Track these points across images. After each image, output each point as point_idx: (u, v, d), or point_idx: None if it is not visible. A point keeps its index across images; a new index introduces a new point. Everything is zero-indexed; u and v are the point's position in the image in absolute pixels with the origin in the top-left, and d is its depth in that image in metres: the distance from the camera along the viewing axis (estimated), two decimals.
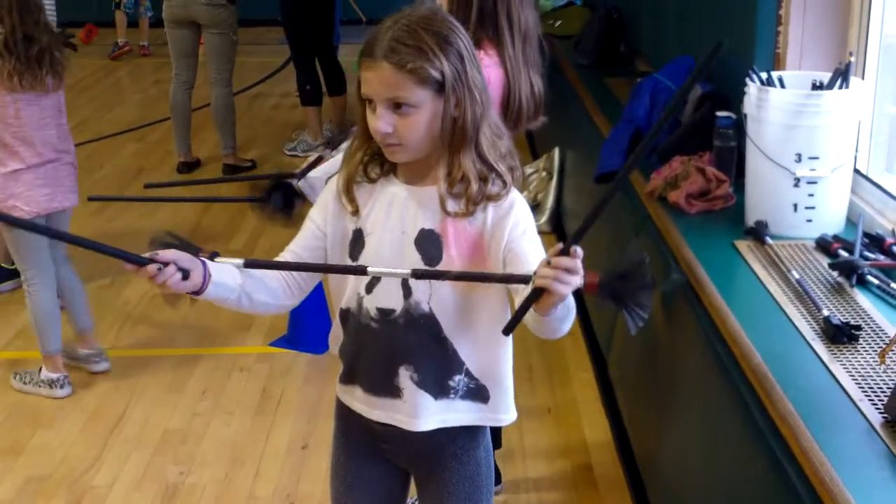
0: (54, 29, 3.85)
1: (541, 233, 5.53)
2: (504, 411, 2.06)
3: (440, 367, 1.96)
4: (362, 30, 8.31)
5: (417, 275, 1.85)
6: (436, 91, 1.85)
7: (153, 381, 4.02)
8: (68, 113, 3.90)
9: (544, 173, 5.55)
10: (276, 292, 1.99)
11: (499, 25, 2.71)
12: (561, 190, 5.44)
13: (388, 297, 1.94)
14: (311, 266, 1.99)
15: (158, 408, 3.82)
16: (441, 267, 1.91)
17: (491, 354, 2.01)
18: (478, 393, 2.01)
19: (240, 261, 1.93)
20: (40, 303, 3.90)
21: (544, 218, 5.40)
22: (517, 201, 1.94)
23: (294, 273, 2.00)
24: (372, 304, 1.96)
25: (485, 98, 1.92)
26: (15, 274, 4.79)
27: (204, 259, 1.84)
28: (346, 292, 2.01)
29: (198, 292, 1.85)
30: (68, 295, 4.05)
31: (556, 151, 5.57)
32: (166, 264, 1.78)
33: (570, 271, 1.64)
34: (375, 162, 1.97)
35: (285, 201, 2.66)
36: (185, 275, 1.81)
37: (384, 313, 1.96)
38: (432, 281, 1.91)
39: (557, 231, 5.36)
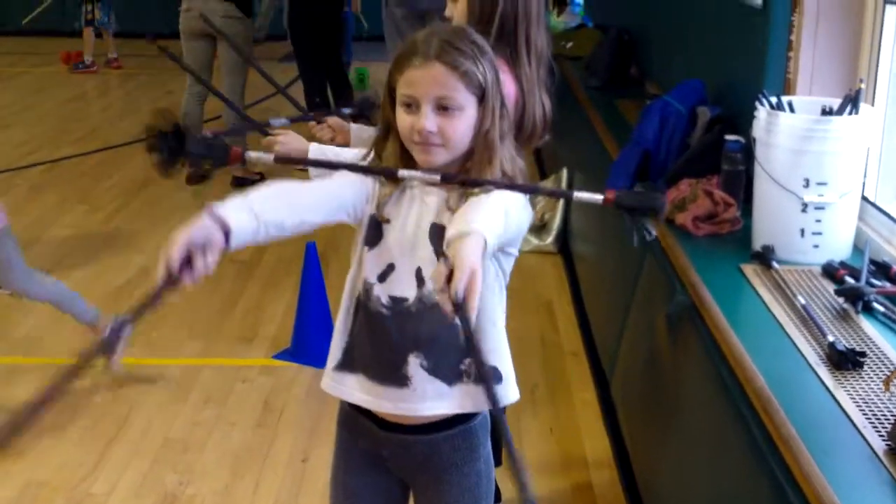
0: None
1: (547, 253, 5.54)
2: (513, 388, 2.06)
3: (452, 353, 1.96)
4: (372, 47, 8.37)
5: (445, 178, 1.89)
6: (478, 98, 1.91)
7: (155, 390, 4.01)
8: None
9: None
10: (300, 208, 1.88)
11: (517, 44, 2.70)
12: (568, 210, 5.44)
13: (402, 286, 1.97)
14: (343, 165, 2.00)
15: (160, 416, 3.81)
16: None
17: (494, 334, 2.01)
18: (492, 374, 1.99)
19: (270, 156, 2.00)
20: (52, 289, 3.96)
21: (551, 238, 5.40)
22: None
23: (323, 189, 1.97)
24: (385, 292, 1.98)
25: (509, 113, 1.99)
26: None
27: (214, 213, 1.69)
28: (359, 282, 2.02)
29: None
30: (62, 301, 4.06)
31: (565, 172, 5.58)
32: (189, 262, 1.64)
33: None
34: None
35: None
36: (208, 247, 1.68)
37: (397, 301, 1.98)
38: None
39: (564, 251, 5.36)
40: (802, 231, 2.83)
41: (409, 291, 1.98)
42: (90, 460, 3.52)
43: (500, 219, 1.72)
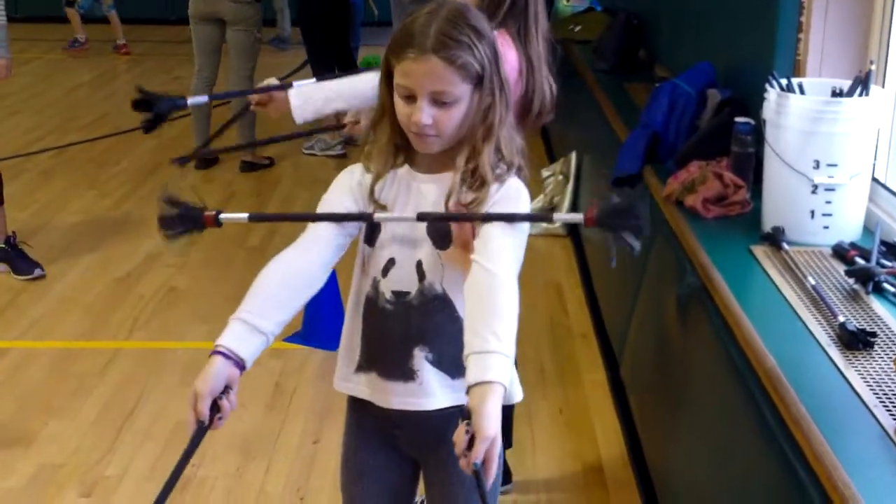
0: None
1: (556, 236, 5.54)
2: (518, 388, 2.06)
3: (457, 346, 1.92)
4: (380, 32, 8.38)
5: (421, 217, 1.90)
6: (475, 85, 1.89)
7: (166, 375, 4.03)
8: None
9: (561, 176, 5.56)
10: (301, 289, 1.93)
11: (528, 22, 2.70)
12: (577, 193, 5.44)
13: (403, 280, 1.98)
14: (318, 216, 1.97)
15: (171, 400, 3.83)
16: (450, 249, 1.95)
17: None
18: None
19: (244, 215, 1.99)
20: None
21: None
22: (513, 186, 1.95)
23: (317, 248, 1.95)
24: (387, 287, 1.99)
25: (509, 93, 1.97)
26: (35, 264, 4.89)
27: (226, 351, 1.81)
28: (366, 282, 2.03)
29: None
30: None
31: (574, 155, 5.58)
32: (218, 409, 1.78)
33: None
34: (399, 154, 2.00)
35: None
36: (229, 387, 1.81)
37: (399, 296, 1.98)
38: (444, 262, 1.95)
39: (572, 234, 5.36)
40: (812, 212, 2.83)
41: (410, 285, 1.98)
42: (103, 444, 3.54)
43: (515, 313, 1.76)
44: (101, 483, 3.32)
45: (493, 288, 1.77)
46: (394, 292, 1.99)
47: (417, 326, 1.99)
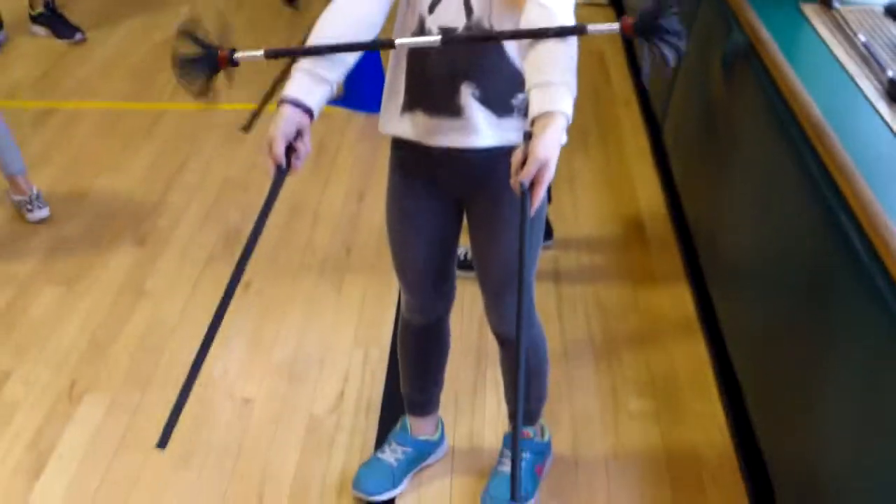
0: None
1: (598, 5, 5.43)
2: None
3: (504, 84, 1.94)
4: None
5: (446, 41, 1.88)
6: None
7: (212, 134, 4.09)
8: None
9: None
10: (375, 24, 1.95)
11: None
12: None
13: (450, 16, 1.94)
14: (342, 47, 1.92)
15: (216, 158, 3.90)
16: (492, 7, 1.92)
17: None
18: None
19: (260, 52, 1.93)
20: None
21: None
22: None
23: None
24: (434, 23, 1.95)
25: None
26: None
27: (294, 100, 1.85)
28: (411, 20, 2.00)
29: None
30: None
31: None
32: (290, 156, 1.84)
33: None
34: None
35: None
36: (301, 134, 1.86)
37: (446, 32, 1.95)
38: None
39: (615, 4, 5.29)
40: None
41: (458, 21, 1.94)
42: (153, 198, 3.64)
43: (574, 47, 1.74)
44: (153, 232, 3.44)
45: (550, 23, 1.76)
46: (441, 28, 1.95)
47: (464, 64, 1.96)
